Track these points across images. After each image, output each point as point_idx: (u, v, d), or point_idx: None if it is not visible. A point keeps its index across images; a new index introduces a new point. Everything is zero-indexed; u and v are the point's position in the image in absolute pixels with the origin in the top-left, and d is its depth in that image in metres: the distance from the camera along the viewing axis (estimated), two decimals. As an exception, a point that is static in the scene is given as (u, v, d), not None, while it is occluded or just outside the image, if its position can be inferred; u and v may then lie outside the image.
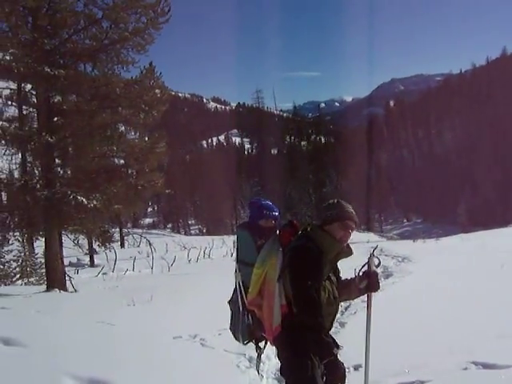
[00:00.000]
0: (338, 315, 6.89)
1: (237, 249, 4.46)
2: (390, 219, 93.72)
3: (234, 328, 4.30)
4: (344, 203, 3.67)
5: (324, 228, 3.61)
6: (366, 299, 3.87)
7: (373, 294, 3.78)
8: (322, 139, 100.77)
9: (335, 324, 7.43)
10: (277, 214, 4.39)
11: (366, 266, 3.72)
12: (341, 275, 3.94)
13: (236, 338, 4.27)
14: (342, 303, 7.14)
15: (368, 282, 3.61)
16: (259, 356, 4.21)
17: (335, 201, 3.72)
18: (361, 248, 21.43)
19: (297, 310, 3.41)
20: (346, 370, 5.89)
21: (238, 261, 4.34)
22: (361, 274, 3.70)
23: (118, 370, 5.33)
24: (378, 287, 3.67)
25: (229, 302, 4.40)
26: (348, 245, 3.69)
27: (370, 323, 3.86)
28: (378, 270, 3.79)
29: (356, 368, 5.79)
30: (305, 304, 3.37)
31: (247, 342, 4.20)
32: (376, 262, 3.77)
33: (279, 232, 3.85)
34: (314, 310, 3.36)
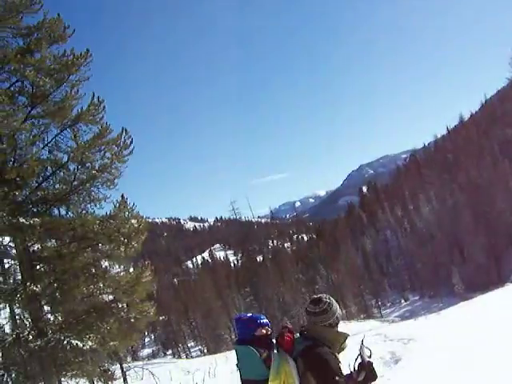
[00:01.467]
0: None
1: (239, 368, 4.33)
2: (387, 303, 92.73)
3: None
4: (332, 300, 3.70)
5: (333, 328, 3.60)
6: None
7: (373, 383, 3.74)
8: (305, 237, 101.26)
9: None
10: (266, 320, 4.37)
11: (359, 358, 3.70)
12: None
13: None
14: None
15: (365, 373, 3.59)
16: None
17: (327, 299, 3.70)
18: (363, 337, 21.14)
19: None
20: None
21: (242, 381, 4.22)
22: (355, 367, 3.68)
23: None
24: (376, 376, 3.64)
25: None
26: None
27: None
28: (372, 359, 3.76)
29: None
30: None
31: None
32: (367, 352, 3.75)
33: (279, 339, 3.82)
34: None
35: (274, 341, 3.86)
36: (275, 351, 3.77)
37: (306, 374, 3.44)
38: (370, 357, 3.68)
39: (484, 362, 9.98)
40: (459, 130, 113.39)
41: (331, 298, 3.69)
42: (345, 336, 3.57)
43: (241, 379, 4.20)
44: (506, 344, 11.36)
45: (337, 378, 3.34)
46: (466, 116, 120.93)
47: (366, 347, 3.70)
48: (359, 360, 3.66)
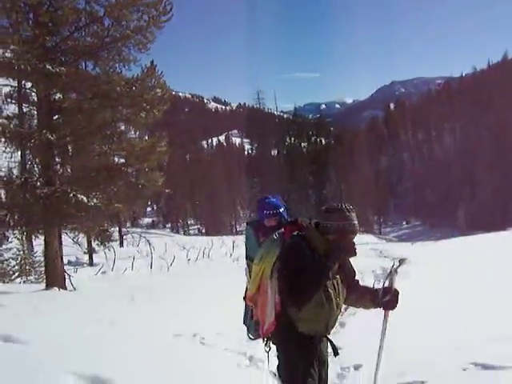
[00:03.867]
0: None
1: (246, 246, 4.49)
2: (388, 221, 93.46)
3: (246, 323, 4.33)
4: (350, 213, 3.47)
5: (323, 235, 3.51)
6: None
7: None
8: (323, 141, 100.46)
9: (336, 324, 7.43)
10: (281, 210, 4.40)
11: (388, 281, 3.65)
12: (357, 278, 3.90)
13: (248, 333, 4.30)
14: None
15: (388, 299, 3.54)
16: (268, 353, 4.19)
17: (342, 207, 3.49)
18: (360, 249, 21.39)
19: (285, 300, 3.40)
20: (346, 369, 5.93)
21: (246, 257, 4.37)
22: (382, 289, 3.63)
23: (119, 367, 5.31)
24: (396, 306, 3.61)
25: (244, 298, 4.42)
26: (351, 246, 3.52)
27: (384, 338, 3.82)
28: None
29: (356, 368, 5.80)
30: (289, 292, 3.33)
31: (256, 338, 4.22)
32: (397, 264, 3.67)
33: (283, 229, 3.81)
34: (297, 297, 3.30)
35: (281, 230, 3.87)
36: (271, 238, 3.78)
37: (276, 265, 3.47)
38: (399, 266, 3.61)
39: (467, 294, 10.16)
40: (500, 68, 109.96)
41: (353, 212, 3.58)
42: (327, 245, 3.47)
43: (246, 255, 4.37)
44: (487, 281, 11.56)
45: (285, 271, 3.31)
46: (511, 55, 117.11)
47: (396, 269, 3.62)
48: (387, 283, 3.62)
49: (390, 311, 3.70)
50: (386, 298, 3.55)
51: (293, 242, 3.49)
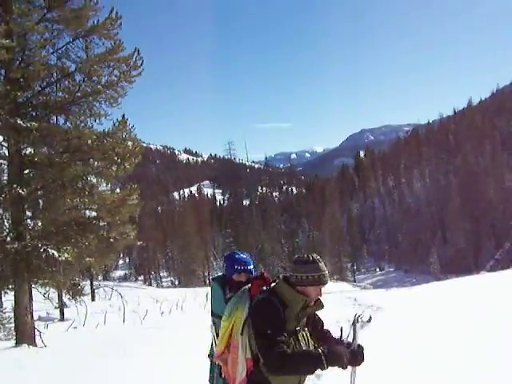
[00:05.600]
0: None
1: (211, 302, 4.47)
2: (362, 268, 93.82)
3: (212, 381, 4.27)
4: (319, 264, 3.49)
5: (294, 286, 3.52)
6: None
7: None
8: (294, 190, 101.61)
9: (311, 376, 7.37)
10: (250, 267, 4.40)
11: (351, 337, 3.63)
12: (325, 328, 3.88)
13: None
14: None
15: (351, 356, 3.49)
16: None
17: (310, 258, 3.50)
18: (335, 298, 21.38)
19: (263, 361, 3.31)
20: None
21: (212, 314, 4.34)
22: (346, 344, 3.59)
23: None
24: (361, 362, 3.57)
25: (208, 356, 4.37)
26: (318, 299, 3.59)
27: None
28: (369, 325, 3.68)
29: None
30: (268, 351, 3.25)
31: None
32: (367, 317, 3.68)
33: (251, 284, 3.81)
34: (276, 356, 3.22)
35: (249, 285, 3.87)
36: (239, 294, 3.78)
37: (249, 322, 3.44)
38: (369, 321, 3.60)
39: (444, 341, 10.15)
40: (465, 114, 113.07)
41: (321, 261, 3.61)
42: (302, 298, 3.48)
43: (211, 311, 4.34)
44: (466, 326, 11.57)
45: (269, 331, 3.28)
46: (475, 101, 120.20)
47: (366, 320, 3.62)
48: (350, 337, 3.60)
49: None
50: (351, 355, 3.49)
51: (265, 298, 3.47)
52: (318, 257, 3.52)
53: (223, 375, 3.94)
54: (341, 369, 3.40)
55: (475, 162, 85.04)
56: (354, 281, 78.23)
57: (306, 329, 3.62)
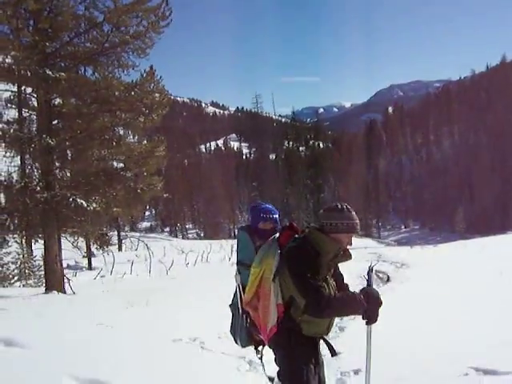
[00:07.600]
0: (338, 319, 6.88)
1: (237, 251, 4.50)
2: (387, 225, 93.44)
3: (234, 331, 4.31)
4: (352, 213, 3.54)
5: (327, 234, 3.53)
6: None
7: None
8: (321, 145, 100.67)
9: (334, 329, 7.43)
10: (276, 216, 4.43)
11: (366, 282, 3.62)
12: (346, 282, 3.91)
13: (236, 342, 4.27)
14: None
15: (367, 311, 3.45)
16: (261, 359, 4.19)
17: (343, 207, 3.54)
18: (359, 254, 21.41)
19: (306, 301, 3.31)
20: (346, 374, 5.93)
21: (237, 262, 4.37)
22: (360, 291, 3.56)
23: (119, 372, 5.32)
24: (376, 319, 3.54)
25: (230, 306, 4.41)
26: (347, 250, 3.64)
27: (370, 348, 3.76)
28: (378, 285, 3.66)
29: (356, 372, 5.78)
30: (313, 292, 3.28)
31: (246, 346, 4.21)
32: (374, 279, 3.65)
33: (279, 234, 3.83)
34: (322, 297, 3.26)
35: (277, 235, 3.89)
36: (269, 242, 3.80)
37: (284, 270, 3.45)
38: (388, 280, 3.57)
39: (466, 299, 10.14)
40: (498, 71, 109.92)
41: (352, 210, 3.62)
42: (336, 246, 3.50)
43: (237, 260, 4.37)
44: (487, 286, 11.52)
45: (308, 274, 3.29)
46: (509, 57, 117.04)
47: (371, 269, 3.62)
48: (366, 284, 3.59)
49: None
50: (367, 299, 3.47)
51: (299, 245, 3.50)
52: (350, 209, 3.55)
53: (248, 324, 4.00)
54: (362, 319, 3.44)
55: (507, 121, 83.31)
56: (379, 237, 78.07)
57: (330, 279, 3.65)
